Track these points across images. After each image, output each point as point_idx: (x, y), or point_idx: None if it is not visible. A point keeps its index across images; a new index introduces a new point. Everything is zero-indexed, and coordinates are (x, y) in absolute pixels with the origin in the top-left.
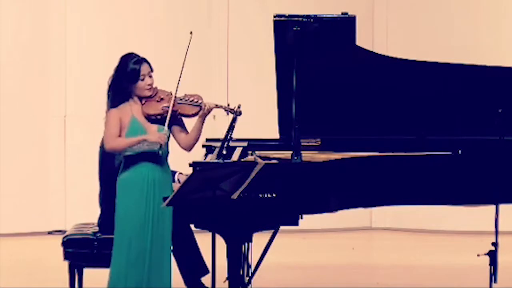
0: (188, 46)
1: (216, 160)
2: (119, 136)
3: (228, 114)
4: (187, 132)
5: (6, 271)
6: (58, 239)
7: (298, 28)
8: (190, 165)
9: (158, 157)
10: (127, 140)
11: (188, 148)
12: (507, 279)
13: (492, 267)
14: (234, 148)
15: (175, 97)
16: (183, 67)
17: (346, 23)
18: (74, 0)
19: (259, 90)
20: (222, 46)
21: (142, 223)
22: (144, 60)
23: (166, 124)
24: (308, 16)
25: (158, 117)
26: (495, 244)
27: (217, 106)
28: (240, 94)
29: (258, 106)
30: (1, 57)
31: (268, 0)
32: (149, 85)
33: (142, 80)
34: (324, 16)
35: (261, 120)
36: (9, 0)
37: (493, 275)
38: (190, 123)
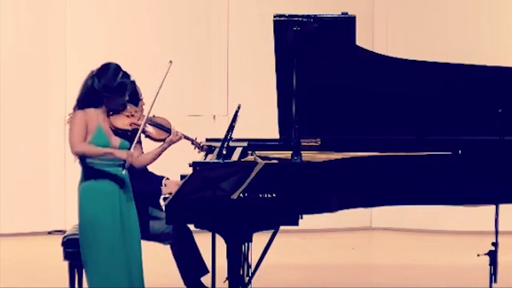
0: (166, 75)
1: (216, 160)
2: (85, 140)
3: (195, 148)
4: (142, 151)
5: (6, 271)
6: (58, 239)
7: (298, 28)
8: (190, 165)
9: (121, 179)
10: (95, 149)
11: (137, 166)
12: (507, 279)
13: (492, 267)
14: (234, 148)
15: (147, 117)
16: (158, 92)
17: (346, 23)
18: (74, 1)
19: (259, 90)
20: (222, 46)
21: (113, 229)
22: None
23: (134, 143)
24: (308, 16)
25: (128, 132)
26: (495, 244)
27: (186, 138)
28: (240, 94)
29: (258, 106)
30: (1, 57)
31: (268, 0)
32: (126, 100)
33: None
34: (324, 16)
35: (261, 120)
36: (10, 1)
37: (493, 275)
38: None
